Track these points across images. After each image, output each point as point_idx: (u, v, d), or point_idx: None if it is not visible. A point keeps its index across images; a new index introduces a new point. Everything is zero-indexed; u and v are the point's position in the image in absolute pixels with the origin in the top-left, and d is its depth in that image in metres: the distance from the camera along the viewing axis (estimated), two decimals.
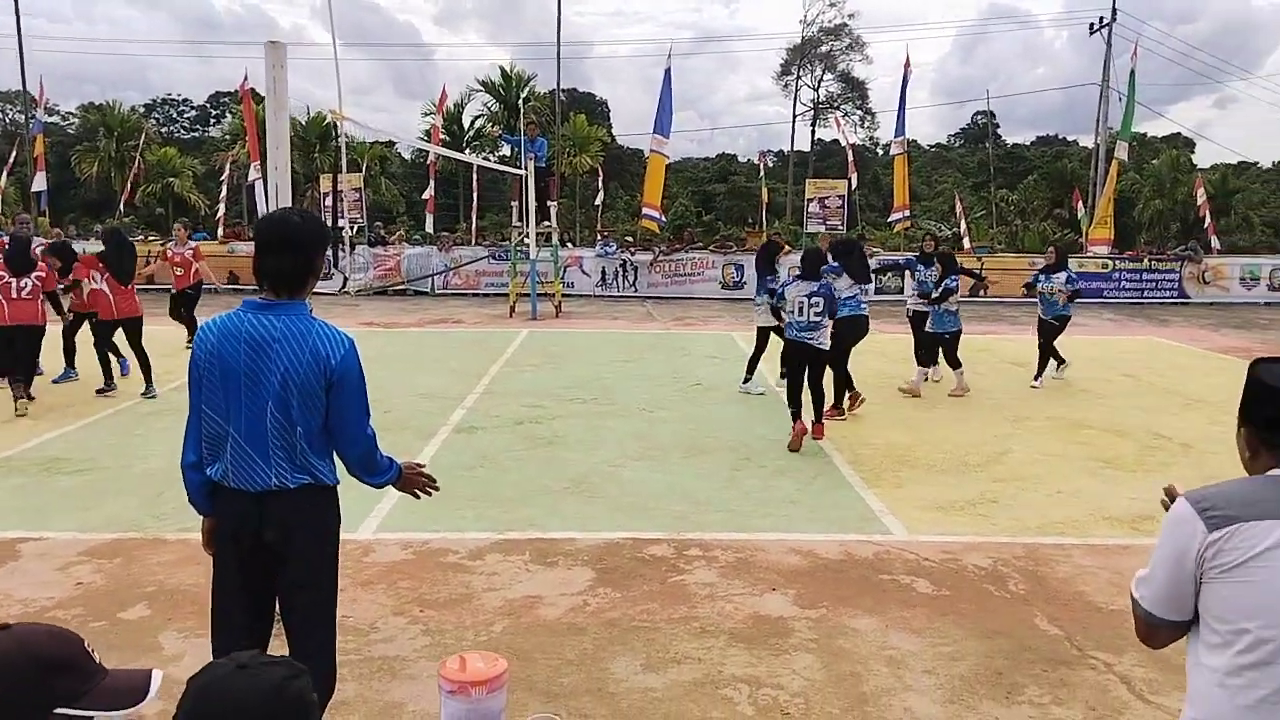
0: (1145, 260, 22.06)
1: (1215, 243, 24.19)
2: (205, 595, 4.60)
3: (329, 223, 19.62)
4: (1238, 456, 1.88)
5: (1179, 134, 48.74)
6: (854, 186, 23.33)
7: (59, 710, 1.29)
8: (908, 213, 21.22)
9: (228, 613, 2.99)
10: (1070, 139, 54.12)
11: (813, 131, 50.83)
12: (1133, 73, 20.73)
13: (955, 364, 10.11)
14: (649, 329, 15.87)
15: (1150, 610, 1.83)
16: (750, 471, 7.00)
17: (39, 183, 24.48)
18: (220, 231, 24.80)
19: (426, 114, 37.27)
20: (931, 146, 64.35)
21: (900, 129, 21.12)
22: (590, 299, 20.44)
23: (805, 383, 7.83)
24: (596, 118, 46.09)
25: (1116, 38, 28.55)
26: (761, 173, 29.90)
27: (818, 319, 7.65)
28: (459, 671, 2.05)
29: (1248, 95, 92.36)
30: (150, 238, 23.84)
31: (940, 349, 10.25)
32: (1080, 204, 27.61)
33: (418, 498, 3.26)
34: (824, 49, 49.41)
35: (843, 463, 7.27)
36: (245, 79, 22.61)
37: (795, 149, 50.38)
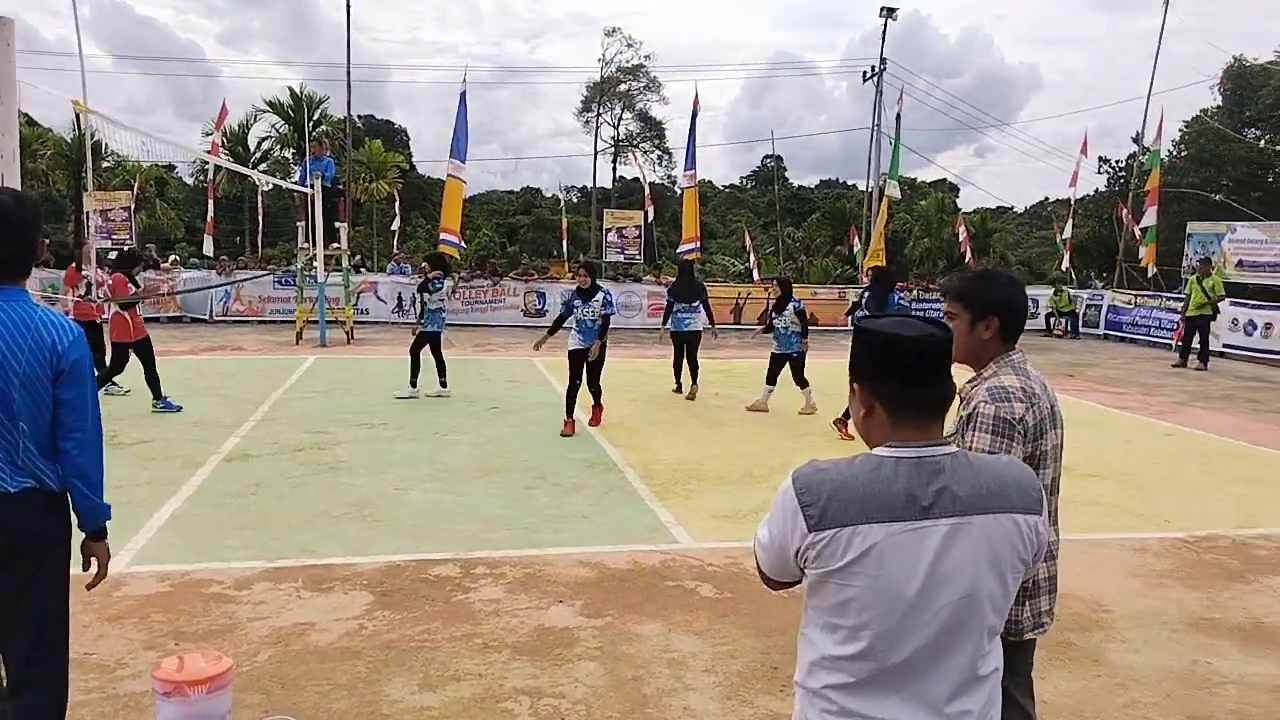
0: (915, 292, 23.88)
1: None
2: None
3: (80, 241, 17.96)
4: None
5: (945, 179, 53.43)
6: (650, 219, 23.91)
7: None
8: (697, 244, 21.91)
9: None
10: (850, 182, 58.00)
11: (614, 168, 51.92)
12: (898, 117, 22.44)
13: (803, 383, 10.43)
14: (446, 354, 15.50)
15: (767, 573, 1.83)
16: (544, 490, 6.92)
17: None
18: None
19: (207, 133, 35.15)
20: (726, 187, 67.19)
21: (690, 162, 21.83)
22: (386, 326, 19.79)
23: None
24: (395, 145, 45.12)
25: (887, 86, 30.95)
26: (562, 205, 30.17)
27: (593, 325, 9.24)
28: (176, 671, 1.84)
29: (1004, 145, 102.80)
30: None
31: (790, 369, 10.51)
32: (856, 240, 29.60)
33: (85, 568, 2.85)
34: (622, 88, 50.73)
35: (635, 478, 7.33)
36: None
37: (597, 185, 51.32)
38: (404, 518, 6.13)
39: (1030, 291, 24.64)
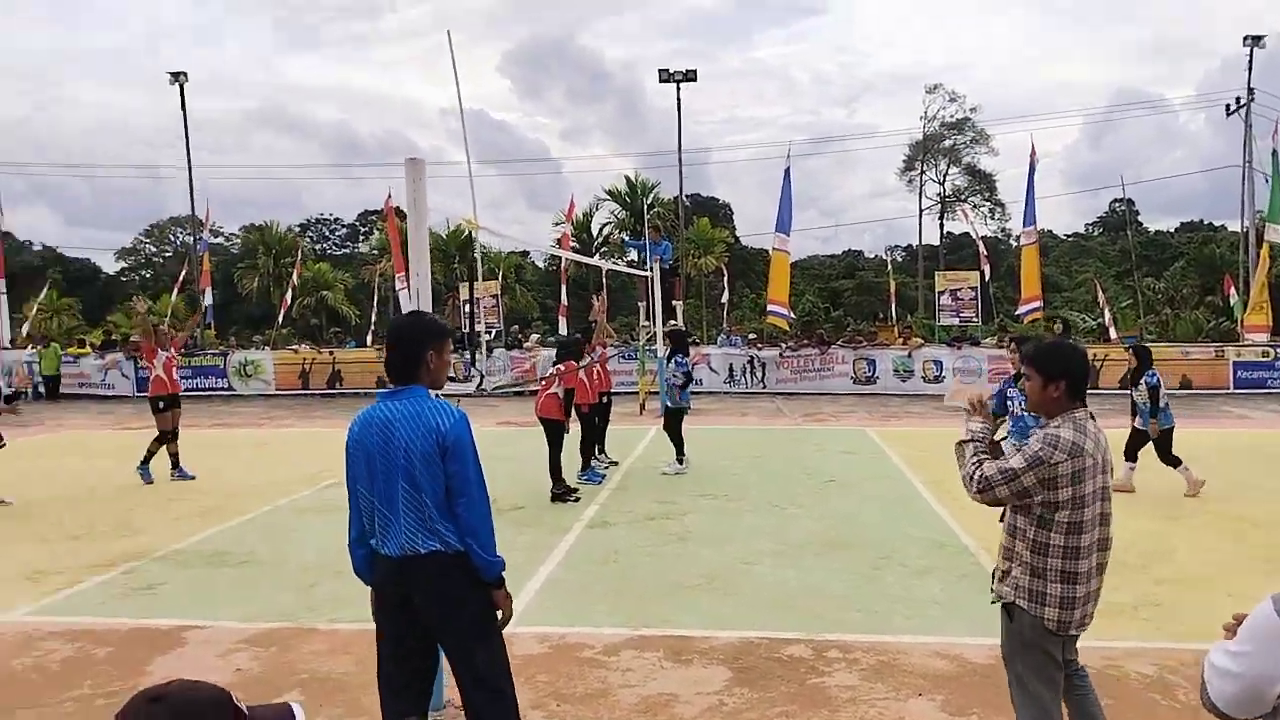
0: None
1: None
2: (353, 684, 4.78)
3: (467, 328, 20.52)
4: None
5: None
6: (987, 278, 22.83)
7: None
8: (1039, 304, 20.52)
9: (389, 674, 3.26)
10: (1218, 224, 51.59)
11: (941, 225, 50.44)
12: (1275, 153, 19.77)
13: (1171, 462, 9.55)
14: (779, 425, 15.75)
15: (1221, 706, 1.64)
16: (891, 570, 6.78)
17: (207, 298, 26.60)
18: (370, 340, 26.24)
19: (556, 223, 38.84)
20: (1069, 236, 62.54)
21: (1030, 218, 20.65)
22: (718, 396, 20.49)
23: None
24: (720, 220, 47.01)
25: (1256, 117, 27.46)
26: (889, 267, 29.67)
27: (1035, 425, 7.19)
28: None
29: None
30: (304, 347, 25.42)
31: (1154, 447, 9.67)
32: (1233, 290, 26.16)
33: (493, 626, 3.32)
34: (947, 143, 49.29)
35: (990, 563, 6.94)
36: (389, 197, 24.05)
37: (923, 243, 49.94)
38: (752, 592, 6.28)
39: None
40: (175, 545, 7.77)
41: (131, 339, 26.12)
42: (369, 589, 3.36)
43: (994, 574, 3.46)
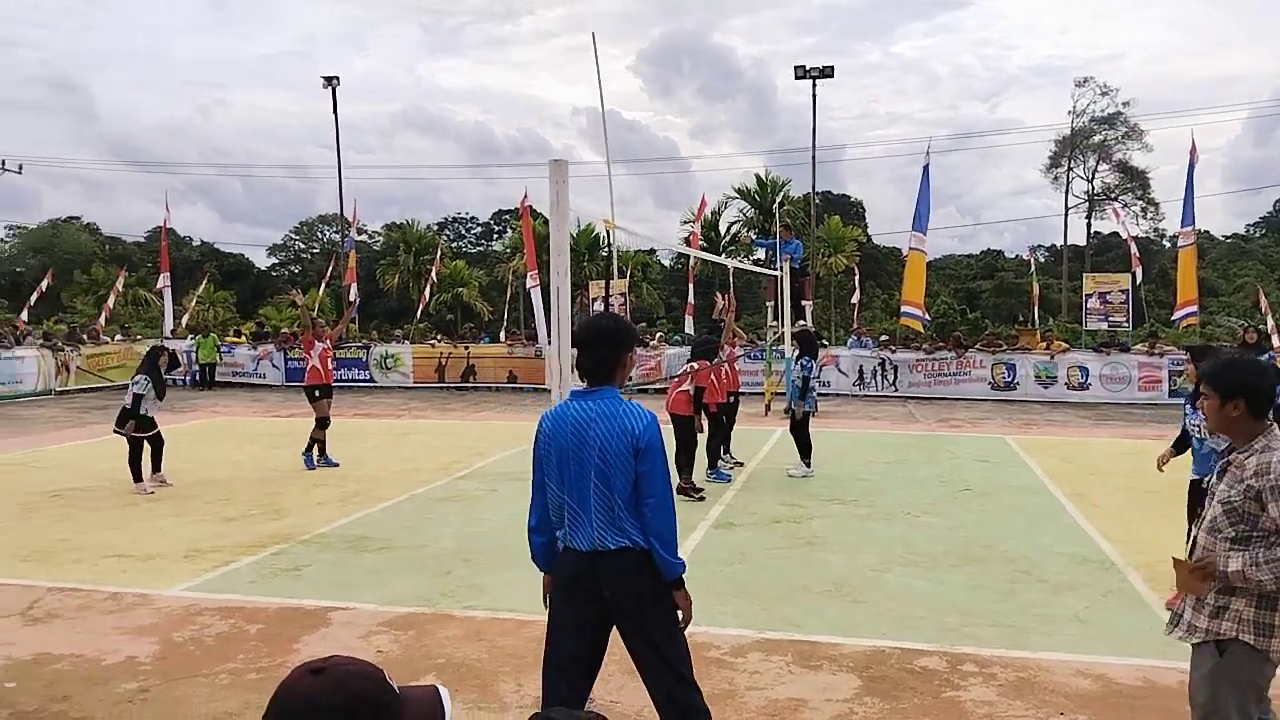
0: None
1: None
2: (485, 671, 4.91)
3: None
4: None
5: None
6: (1138, 281, 21.58)
7: None
8: (1196, 309, 19.22)
9: (559, 660, 3.35)
10: None
11: (1088, 224, 48.08)
12: None
13: None
14: (911, 430, 15.32)
15: None
16: (1030, 585, 6.49)
17: (353, 293, 27.86)
18: (503, 335, 26.94)
19: (685, 222, 38.91)
20: (1227, 237, 58.59)
21: (1188, 218, 19.41)
22: (847, 398, 20.10)
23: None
24: (851, 218, 46.13)
25: None
26: (1033, 268, 28.43)
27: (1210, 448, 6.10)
28: None
29: None
30: (441, 341, 26.29)
31: None
32: None
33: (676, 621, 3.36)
34: (1097, 139, 46.90)
35: (1138, 581, 6.58)
36: (525, 196, 24.59)
37: (1069, 243, 47.67)
38: (882, 601, 6.12)
39: None
40: (320, 529, 8.16)
41: (283, 331, 27.63)
42: (543, 575, 3.49)
43: (1180, 612, 3.26)
